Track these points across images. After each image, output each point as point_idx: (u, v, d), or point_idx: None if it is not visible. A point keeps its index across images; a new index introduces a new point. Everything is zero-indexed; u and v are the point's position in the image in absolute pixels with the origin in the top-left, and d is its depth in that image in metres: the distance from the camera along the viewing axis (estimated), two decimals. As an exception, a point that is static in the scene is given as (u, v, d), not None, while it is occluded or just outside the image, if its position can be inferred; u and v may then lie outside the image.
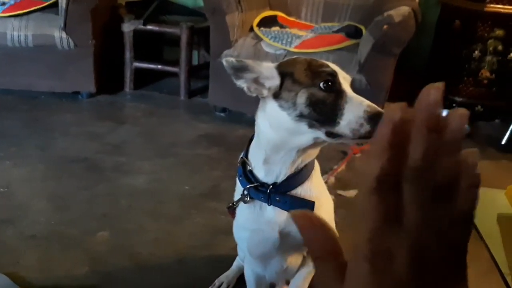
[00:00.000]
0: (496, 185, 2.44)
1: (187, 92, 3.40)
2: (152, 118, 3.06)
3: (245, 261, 1.42)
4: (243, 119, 2.98)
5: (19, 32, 2.98)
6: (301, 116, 1.03)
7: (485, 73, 3.26)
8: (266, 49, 2.86)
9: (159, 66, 3.50)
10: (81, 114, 3.04)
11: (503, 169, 2.75)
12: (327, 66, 1.06)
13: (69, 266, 1.78)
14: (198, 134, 2.87)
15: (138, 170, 2.43)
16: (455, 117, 0.32)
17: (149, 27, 3.32)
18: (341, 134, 1.00)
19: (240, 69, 1.09)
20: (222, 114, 3.14)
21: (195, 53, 3.78)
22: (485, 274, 1.92)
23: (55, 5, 3.07)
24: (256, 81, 1.08)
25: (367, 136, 0.98)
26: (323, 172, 2.40)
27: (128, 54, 3.38)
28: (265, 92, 1.07)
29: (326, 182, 2.42)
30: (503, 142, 3.00)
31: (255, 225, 1.18)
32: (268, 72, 1.07)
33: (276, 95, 1.06)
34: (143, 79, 3.47)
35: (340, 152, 2.72)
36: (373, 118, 0.97)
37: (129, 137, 2.80)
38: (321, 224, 0.37)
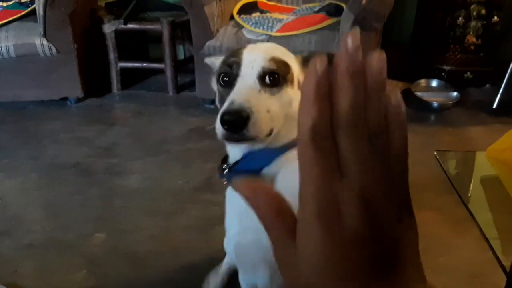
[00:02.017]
0: (489, 149, 2.43)
1: (175, 88, 3.38)
2: (142, 117, 3.05)
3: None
4: (232, 108, 2.97)
5: (0, 44, 2.96)
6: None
7: (471, 38, 3.24)
8: (248, 35, 2.84)
9: (145, 64, 3.48)
10: (70, 120, 3.03)
11: (496, 133, 2.74)
12: (236, 55, 1.00)
13: (67, 271, 1.78)
14: (189, 128, 2.86)
15: (130, 170, 2.42)
16: (373, 60, 0.32)
17: (130, 26, 3.30)
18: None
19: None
20: (212, 106, 3.12)
21: (180, 48, 3.76)
22: (481, 239, 1.93)
23: (33, 13, 3.04)
24: None
25: (227, 138, 0.93)
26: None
27: (112, 55, 3.36)
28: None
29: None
30: (494, 106, 2.98)
31: (242, 222, 1.08)
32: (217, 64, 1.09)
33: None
34: (130, 79, 3.46)
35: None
36: (222, 120, 0.90)
37: (119, 138, 2.79)
38: (262, 187, 0.36)
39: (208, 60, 1.17)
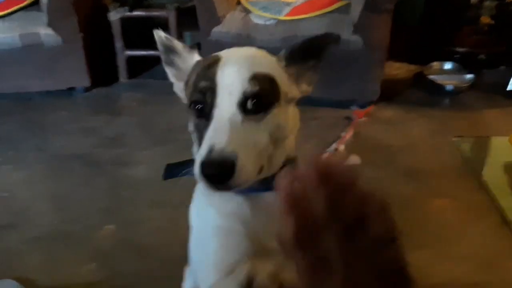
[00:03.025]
0: (505, 133, 2.36)
1: (182, 76, 3.33)
2: (149, 106, 3.01)
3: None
4: (240, 96, 2.92)
5: (4, 34, 2.92)
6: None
7: (485, 19, 3.14)
8: (256, 20, 2.78)
9: (152, 52, 3.42)
10: (77, 110, 3.00)
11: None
12: (209, 75, 0.79)
13: (76, 264, 1.76)
14: (196, 116, 2.81)
15: (138, 161, 2.39)
16: (338, 169, 0.36)
17: (135, 13, 3.25)
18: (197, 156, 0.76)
19: (169, 50, 0.91)
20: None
21: (187, 35, 3.70)
22: (498, 226, 1.87)
23: (37, 2, 3.00)
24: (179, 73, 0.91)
25: (211, 189, 0.74)
26: (328, 142, 2.34)
27: (118, 44, 3.30)
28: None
29: (336, 150, 2.38)
30: (509, 88, 2.90)
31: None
32: (187, 63, 0.90)
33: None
34: (137, 67, 3.41)
35: (344, 119, 2.65)
36: (203, 172, 0.72)
37: (127, 128, 2.76)
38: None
39: (157, 35, 0.93)
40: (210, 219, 0.88)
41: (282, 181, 0.37)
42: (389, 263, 0.35)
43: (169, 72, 0.93)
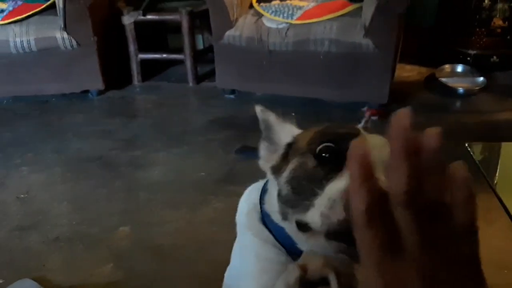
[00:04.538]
0: (518, 136, 2.37)
1: (195, 78, 3.37)
2: (163, 108, 3.04)
3: None
4: (252, 98, 2.96)
5: (21, 38, 2.98)
6: (278, 200, 0.70)
7: (498, 21, 3.14)
8: (268, 24, 2.80)
9: (164, 55, 3.47)
10: (92, 112, 3.05)
11: (525, 119, 2.67)
12: (352, 129, 0.67)
13: (94, 264, 1.80)
14: (209, 119, 2.85)
15: (153, 162, 2.43)
16: (429, 137, 0.32)
17: (149, 17, 3.29)
18: (310, 222, 0.62)
19: (268, 125, 0.77)
20: (232, 96, 3.11)
21: (199, 38, 3.74)
22: (509, 230, 1.88)
23: (53, 6, 3.05)
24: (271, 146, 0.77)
25: (341, 229, 0.56)
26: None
27: (132, 47, 3.35)
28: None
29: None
30: (522, 90, 2.90)
31: None
32: (284, 137, 0.75)
33: (273, 170, 0.74)
34: (150, 70, 3.46)
35: (353, 121, 2.67)
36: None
37: (141, 130, 2.80)
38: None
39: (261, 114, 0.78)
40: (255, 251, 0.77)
41: (356, 147, 0.33)
42: (467, 257, 0.33)
43: (262, 145, 0.79)
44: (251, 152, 0.86)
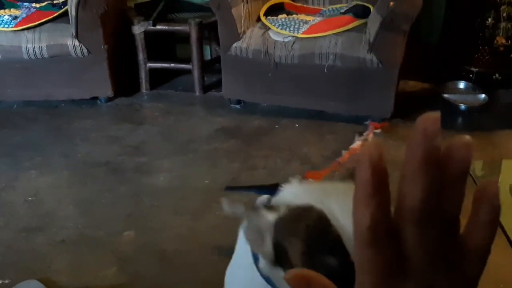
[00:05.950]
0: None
1: (201, 88, 3.43)
2: (169, 116, 3.10)
3: None
4: (257, 109, 3.01)
5: (33, 45, 3.05)
6: None
7: (501, 40, 3.19)
8: (274, 37, 2.86)
9: (172, 65, 3.54)
10: (101, 118, 3.11)
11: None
12: (330, 252, 0.65)
13: (98, 268, 1.85)
14: (215, 128, 2.90)
15: (159, 169, 2.48)
16: (459, 147, 0.28)
17: (158, 27, 3.36)
18: None
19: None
20: (237, 106, 3.16)
21: (207, 48, 3.80)
22: (507, 247, 1.91)
23: (65, 14, 3.13)
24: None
25: None
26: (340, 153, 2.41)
27: (141, 56, 3.42)
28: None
29: (339, 162, 2.44)
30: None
31: None
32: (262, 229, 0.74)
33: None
34: (158, 78, 3.52)
35: (355, 134, 2.72)
36: None
37: (148, 137, 2.86)
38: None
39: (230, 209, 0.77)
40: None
41: (368, 152, 0.28)
42: (470, 279, 0.30)
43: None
44: (242, 189, 0.97)
